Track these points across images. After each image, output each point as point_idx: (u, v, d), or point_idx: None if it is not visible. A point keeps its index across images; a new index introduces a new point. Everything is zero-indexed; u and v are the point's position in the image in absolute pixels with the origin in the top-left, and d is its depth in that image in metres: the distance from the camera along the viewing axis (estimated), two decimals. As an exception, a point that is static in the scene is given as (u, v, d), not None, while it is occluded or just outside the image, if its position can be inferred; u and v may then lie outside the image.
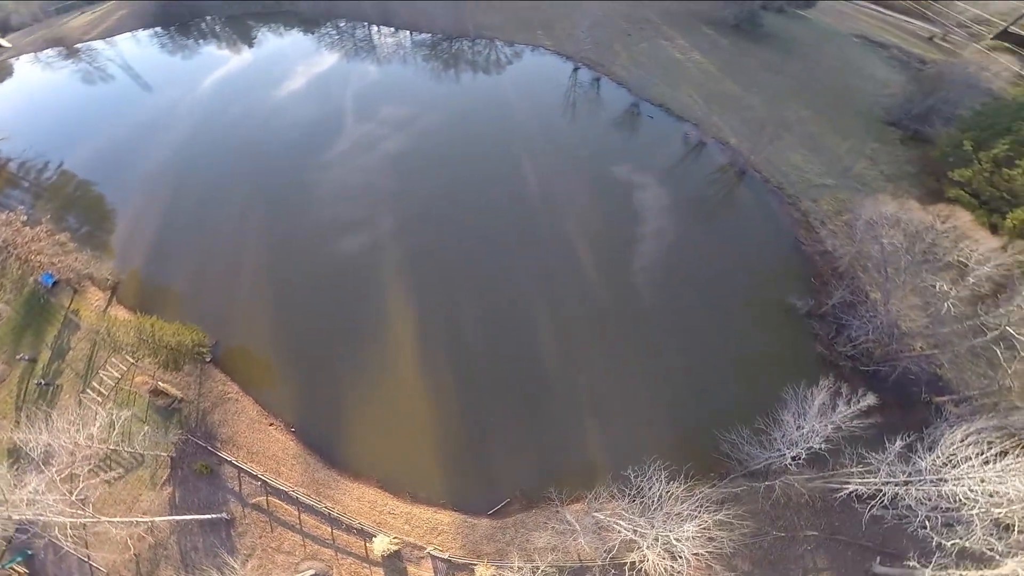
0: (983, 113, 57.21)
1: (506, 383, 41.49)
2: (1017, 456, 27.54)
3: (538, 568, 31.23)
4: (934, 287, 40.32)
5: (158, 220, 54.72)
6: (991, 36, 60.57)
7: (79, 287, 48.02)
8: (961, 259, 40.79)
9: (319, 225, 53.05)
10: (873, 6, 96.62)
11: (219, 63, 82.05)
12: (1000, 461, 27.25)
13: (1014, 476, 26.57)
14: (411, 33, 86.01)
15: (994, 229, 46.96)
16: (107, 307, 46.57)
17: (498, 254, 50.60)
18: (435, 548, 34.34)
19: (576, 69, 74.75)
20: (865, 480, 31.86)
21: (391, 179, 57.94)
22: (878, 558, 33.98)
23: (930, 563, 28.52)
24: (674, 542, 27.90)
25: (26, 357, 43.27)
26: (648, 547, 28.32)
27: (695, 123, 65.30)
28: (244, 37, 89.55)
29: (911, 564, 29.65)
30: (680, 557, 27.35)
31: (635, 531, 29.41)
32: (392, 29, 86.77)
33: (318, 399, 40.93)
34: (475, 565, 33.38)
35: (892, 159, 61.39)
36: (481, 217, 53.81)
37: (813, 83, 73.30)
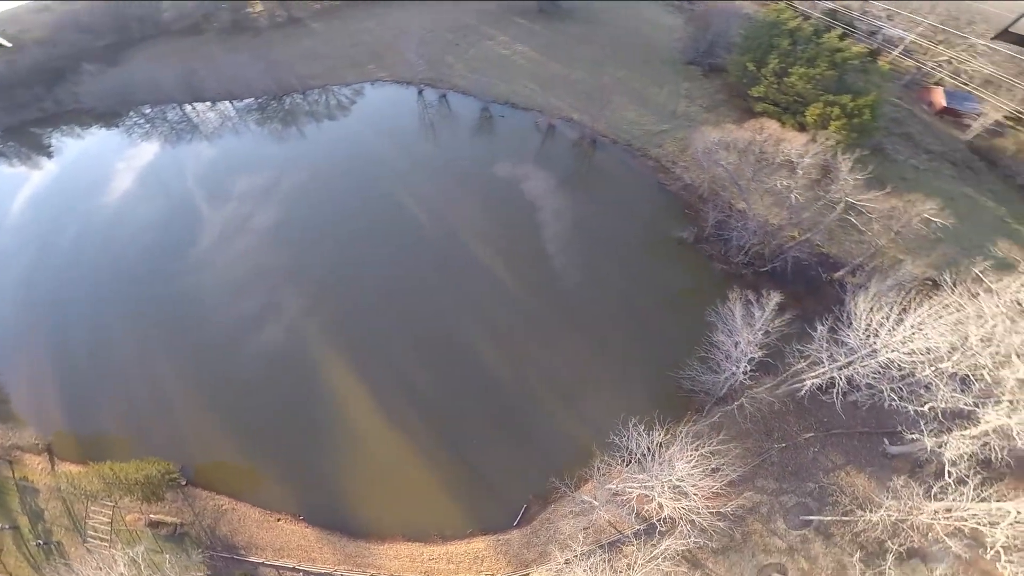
0: (748, 36, 66.38)
1: (471, 406, 41.56)
2: (918, 309, 32.27)
3: (578, 552, 32.18)
4: (777, 185, 47.53)
5: (52, 374, 46.69)
6: (991, 36, 62.19)
7: (12, 459, 42.61)
8: (787, 158, 48.31)
9: (225, 328, 47.83)
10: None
11: (19, 182, 69.37)
12: (907, 319, 32.00)
13: (926, 329, 31.27)
14: (231, 102, 78.30)
15: (801, 127, 55.86)
16: (53, 467, 42.06)
17: (417, 294, 49.51)
18: (487, 574, 34.17)
19: (420, 91, 74.29)
20: (816, 372, 36.21)
21: (278, 254, 53.58)
22: (885, 440, 38.80)
23: (926, 431, 32.51)
24: (676, 483, 30.06)
25: (6, 527, 39.55)
26: (659, 495, 30.23)
27: (539, 109, 68.69)
28: (36, 148, 76.19)
29: (912, 436, 33.50)
30: (688, 494, 29.52)
31: (643, 487, 31.25)
32: (207, 103, 78.28)
33: (309, 482, 38.76)
34: (528, 574, 33.95)
35: (703, 93, 70.21)
36: (386, 264, 52.11)
37: (620, 44, 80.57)
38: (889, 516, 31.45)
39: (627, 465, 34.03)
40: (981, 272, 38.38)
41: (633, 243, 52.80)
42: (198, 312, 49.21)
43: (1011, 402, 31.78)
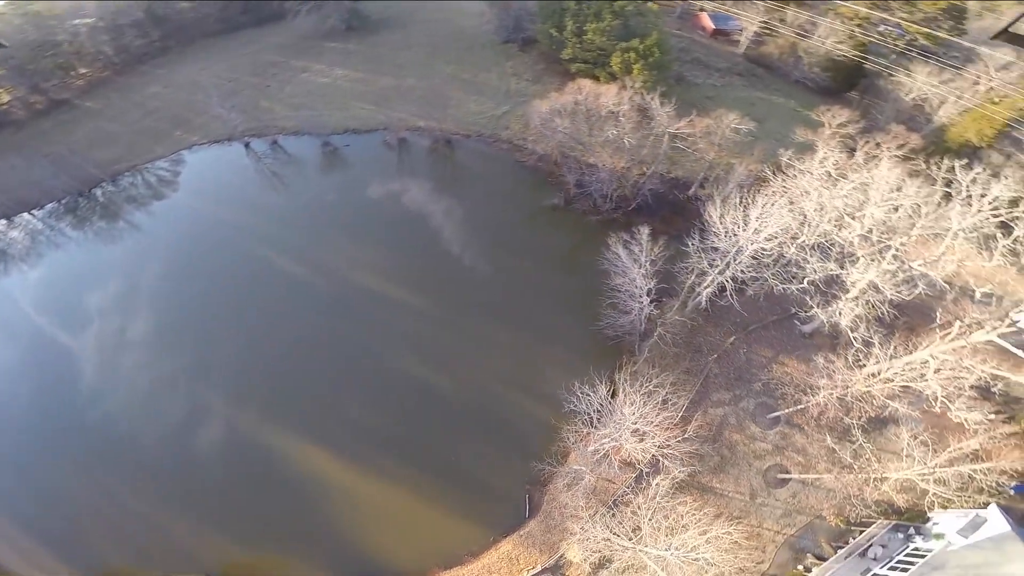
0: (543, 5, 70.18)
1: (435, 427, 40.34)
2: (757, 201, 36.66)
3: (595, 514, 33.64)
4: (609, 135, 51.63)
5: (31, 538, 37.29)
6: (991, 36, 65.96)
7: None
8: (609, 109, 52.38)
9: (165, 447, 40.77)
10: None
11: None
12: (752, 212, 36.37)
13: (770, 216, 35.56)
14: (30, 213, 64.05)
15: (613, 77, 60.76)
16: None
17: (337, 343, 46.01)
18: (527, 569, 34.27)
19: (247, 145, 67.32)
20: (705, 282, 40.32)
21: (175, 357, 46.19)
22: (796, 322, 43.46)
23: (816, 305, 37.28)
24: (632, 425, 31.84)
25: None
26: (625, 443, 32.08)
27: (384, 127, 66.43)
28: None
29: (812, 312, 38.42)
30: (647, 434, 31.61)
31: (612, 440, 32.91)
32: (2, 222, 63.24)
33: (329, 551, 35.53)
34: (561, 556, 34.40)
35: (526, 67, 73.19)
36: (291, 327, 47.50)
37: (439, 41, 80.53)
38: (831, 395, 35.00)
39: (592, 426, 35.28)
40: (789, 159, 45.39)
41: (517, 223, 54.40)
42: (130, 442, 41.33)
43: (864, 257, 38.18)
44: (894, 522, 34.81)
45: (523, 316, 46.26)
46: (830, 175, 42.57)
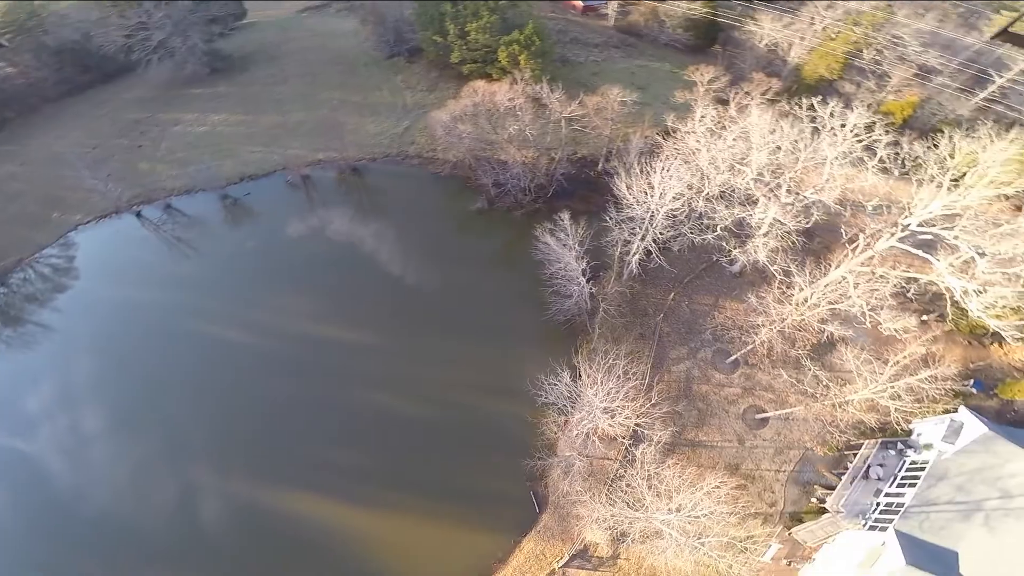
0: (419, 13, 69.08)
1: (423, 453, 39.80)
2: (657, 164, 39.33)
3: (596, 495, 34.75)
4: (511, 130, 52.70)
5: None
6: (991, 36, 61.63)
7: None
8: (505, 105, 52.86)
9: (161, 533, 37.54)
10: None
11: None
12: (654, 176, 38.98)
13: (672, 176, 38.58)
14: None
15: (504, 72, 61.03)
16: None
17: (301, 399, 43.13)
18: (556, 561, 34.80)
19: (139, 214, 60.53)
20: (631, 249, 42.66)
21: (143, 442, 41.80)
22: (724, 264, 45.90)
23: (733, 247, 40.11)
24: (600, 405, 33.18)
25: None
26: (600, 422, 33.39)
27: (282, 167, 62.60)
28: None
29: (732, 255, 41.89)
30: (615, 410, 33.02)
31: (590, 422, 34.09)
32: None
33: None
34: (583, 540, 35.08)
35: (418, 78, 71.95)
36: (252, 392, 44.10)
37: (318, 67, 76.88)
38: (772, 331, 37.19)
39: (567, 412, 36.20)
40: (673, 122, 48.53)
41: (447, 233, 54.30)
42: (127, 535, 37.52)
43: (762, 197, 41.63)
44: (881, 439, 37.02)
45: (476, 323, 46.42)
46: (712, 131, 46.25)
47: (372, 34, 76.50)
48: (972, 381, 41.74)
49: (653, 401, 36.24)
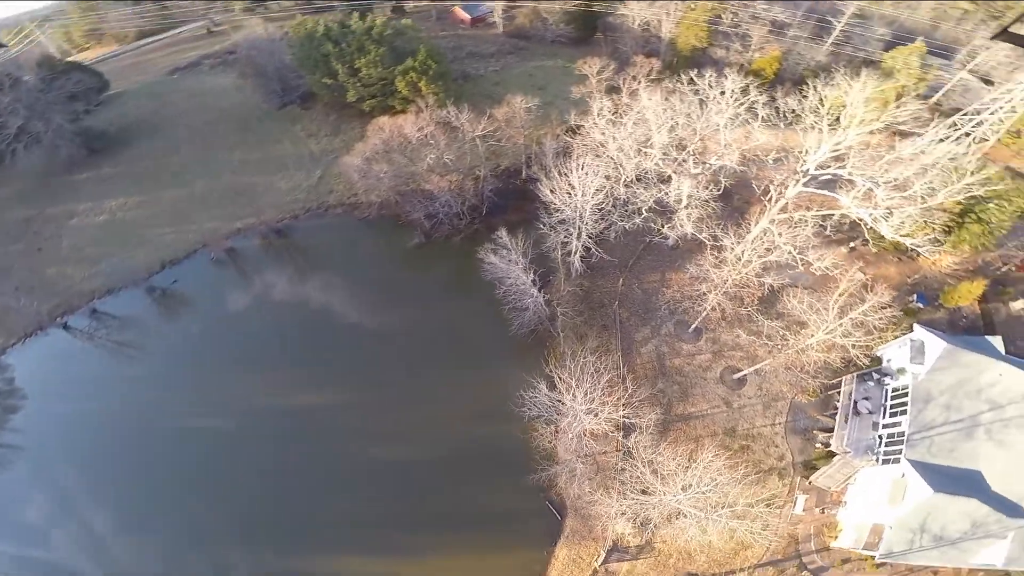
0: (299, 59, 66.15)
1: (428, 490, 39.83)
2: (575, 158, 41.43)
3: (606, 491, 35.82)
4: (429, 160, 52.29)
5: None
6: (991, 36, 58.78)
7: None
8: (417, 135, 52.31)
9: None
10: (128, 48, 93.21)
11: None
12: (572, 174, 40.69)
13: (589, 172, 40.15)
14: None
15: (407, 102, 59.75)
16: None
17: (304, 468, 41.78)
18: (594, 560, 35.56)
19: (65, 326, 53.53)
20: (569, 249, 43.90)
21: (158, 539, 39.60)
22: (661, 240, 47.48)
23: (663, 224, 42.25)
24: (581, 408, 34.23)
25: None
26: (586, 424, 34.42)
27: (201, 244, 58.26)
28: None
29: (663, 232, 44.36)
30: (597, 411, 34.10)
31: (578, 426, 34.98)
32: None
33: None
34: (613, 535, 35.93)
35: (318, 124, 69.26)
36: (250, 474, 42.00)
37: (206, 131, 71.93)
38: (718, 295, 39.00)
39: (555, 421, 36.70)
40: (575, 120, 50.22)
41: (393, 274, 53.35)
42: None
43: (673, 173, 44.64)
44: (856, 373, 38.98)
45: (445, 355, 46.24)
46: (612, 121, 48.39)
47: (256, 86, 72.52)
48: (915, 296, 45.27)
49: (630, 391, 37.62)
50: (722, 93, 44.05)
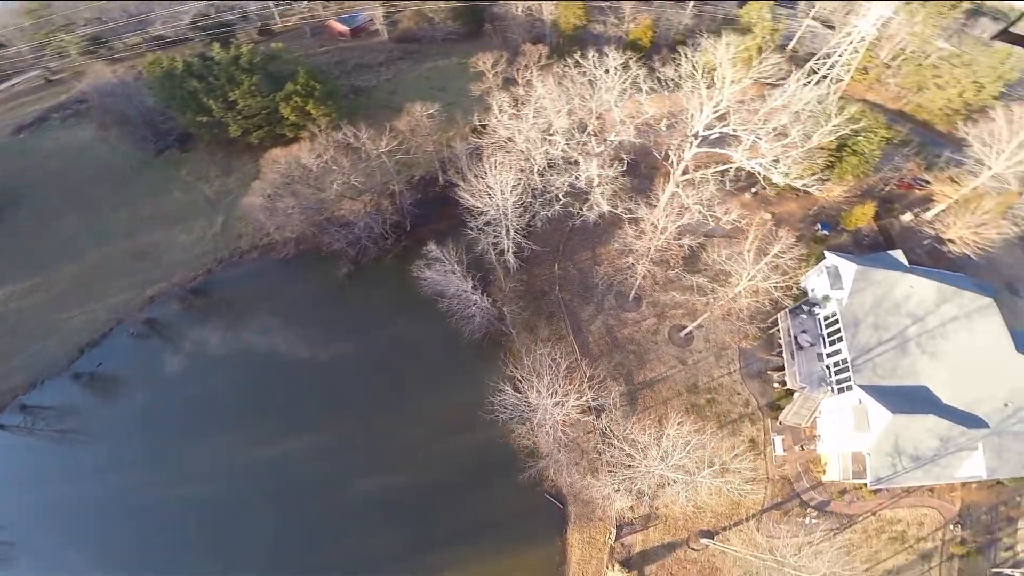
0: (165, 100, 59.75)
1: (425, 511, 39.36)
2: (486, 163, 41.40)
3: (595, 473, 36.79)
4: (336, 186, 49.64)
5: None
6: (991, 36, 56.30)
7: None
8: (314, 164, 49.39)
9: None
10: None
11: None
12: (487, 175, 40.34)
13: (502, 170, 40.47)
14: None
15: (298, 128, 56.08)
16: None
17: (293, 519, 39.67)
18: (607, 539, 36.56)
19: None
20: (501, 248, 43.80)
21: None
22: (586, 224, 48.13)
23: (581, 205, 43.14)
24: (547, 403, 35.00)
25: None
26: (556, 415, 35.18)
27: (116, 320, 51.27)
28: None
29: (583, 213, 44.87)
30: (562, 402, 34.90)
31: (549, 421, 35.68)
32: None
33: None
34: (617, 512, 36.95)
35: (205, 165, 62.96)
36: (245, 534, 39.53)
37: (81, 193, 61.52)
38: (645, 263, 40.35)
39: (526, 419, 36.98)
40: (478, 119, 49.82)
41: (328, 311, 50.47)
42: None
43: (579, 155, 46.03)
44: (787, 308, 41.34)
45: (407, 379, 44.97)
46: (514, 115, 48.62)
47: (121, 135, 64.50)
48: (819, 225, 49.50)
49: (589, 373, 38.75)
50: (607, 71, 45.68)
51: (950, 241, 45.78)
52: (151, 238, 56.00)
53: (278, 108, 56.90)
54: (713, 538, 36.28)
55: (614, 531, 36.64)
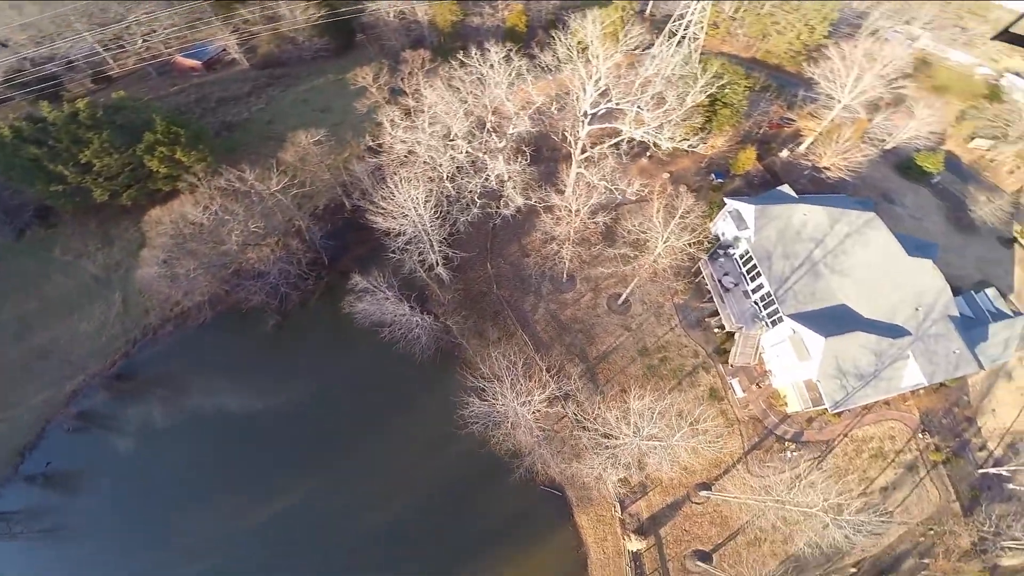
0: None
1: (426, 531, 38.42)
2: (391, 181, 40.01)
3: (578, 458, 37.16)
4: (236, 235, 45.07)
5: None
6: (991, 36, 54.15)
7: None
8: (203, 217, 45.07)
9: None
10: None
11: None
12: (396, 192, 39.23)
13: (409, 186, 38.90)
14: None
15: (174, 179, 50.22)
16: None
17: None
18: (613, 511, 37.21)
19: None
20: (428, 264, 43.70)
21: None
22: (506, 219, 47.59)
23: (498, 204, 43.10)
24: (514, 406, 34.62)
25: None
26: (527, 413, 35.09)
27: (45, 420, 44.43)
28: None
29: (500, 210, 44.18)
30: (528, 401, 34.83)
31: (521, 423, 35.72)
32: None
33: None
34: (614, 486, 37.32)
35: (82, 239, 53.34)
36: None
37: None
38: (569, 246, 41.16)
39: (503, 421, 36.54)
40: (371, 141, 47.51)
41: (268, 364, 46.41)
42: None
43: (484, 155, 45.36)
44: (704, 257, 43.63)
45: (370, 415, 42.88)
46: (410, 126, 46.96)
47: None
48: (713, 175, 52.90)
49: (544, 365, 39.00)
50: (491, 67, 45.39)
51: (825, 168, 51.49)
52: (48, 334, 48.05)
53: (143, 162, 50.12)
54: (711, 489, 37.35)
55: (617, 504, 37.06)
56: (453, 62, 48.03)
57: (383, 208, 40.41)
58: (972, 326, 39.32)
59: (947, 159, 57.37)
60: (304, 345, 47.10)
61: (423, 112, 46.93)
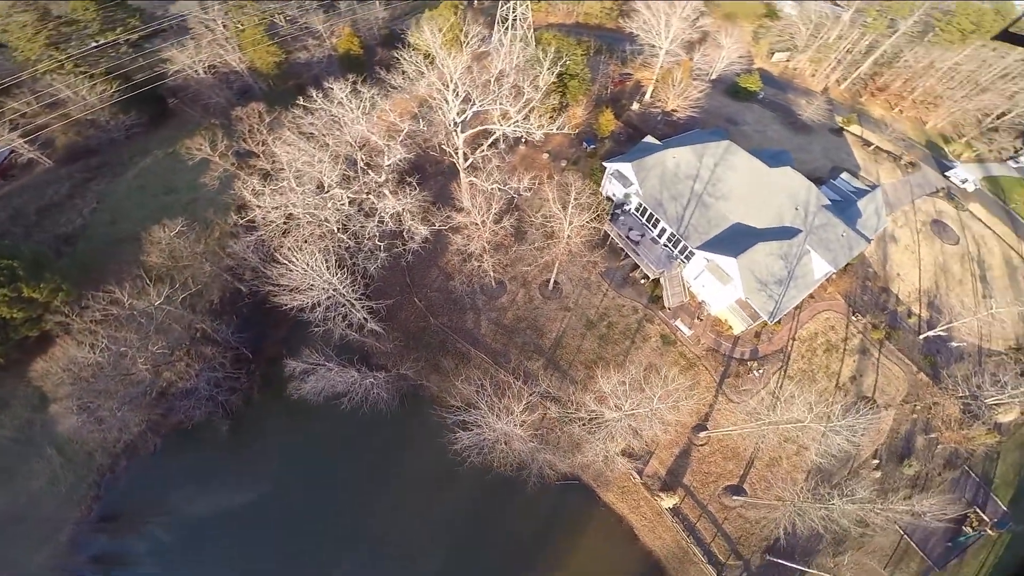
0: None
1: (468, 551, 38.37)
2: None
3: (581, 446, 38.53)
4: (126, 367, 38.92)
5: None
6: (991, 36, 52.51)
7: None
8: (95, 357, 37.63)
9: None
10: None
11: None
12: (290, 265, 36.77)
13: (302, 257, 36.63)
14: None
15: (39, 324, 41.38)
16: None
17: None
18: (632, 480, 38.20)
19: None
20: (359, 323, 41.85)
21: None
22: (416, 251, 45.69)
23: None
24: (503, 428, 35.00)
25: None
26: (517, 430, 35.62)
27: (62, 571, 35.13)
28: None
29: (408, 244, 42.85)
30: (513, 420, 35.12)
31: (505, 435, 36.18)
32: None
33: None
34: (621, 459, 38.07)
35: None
36: None
37: None
38: (484, 254, 41.27)
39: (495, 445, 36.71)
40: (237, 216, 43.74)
41: (232, 467, 41.95)
42: None
43: (381, 186, 43.28)
44: (607, 220, 45.76)
45: (360, 483, 41.09)
46: (276, 190, 42.94)
47: None
48: (584, 143, 55.22)
49: (508, 378, 39.67)
50: (339, 104, 42.67)
51: (673, 111, 56.58)
52: (3, 500, 39.16)
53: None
54: (707, 428, 38.55)
55: (635, 474, 37.86)
56: (295, 109, 44.30)
57: (283, 286, 37.31)
58: (844, 208, 43.52)
59: (762, 76, 65.33)
60: (264, 439, 43.05)
61: (283, 170, 43.08)
